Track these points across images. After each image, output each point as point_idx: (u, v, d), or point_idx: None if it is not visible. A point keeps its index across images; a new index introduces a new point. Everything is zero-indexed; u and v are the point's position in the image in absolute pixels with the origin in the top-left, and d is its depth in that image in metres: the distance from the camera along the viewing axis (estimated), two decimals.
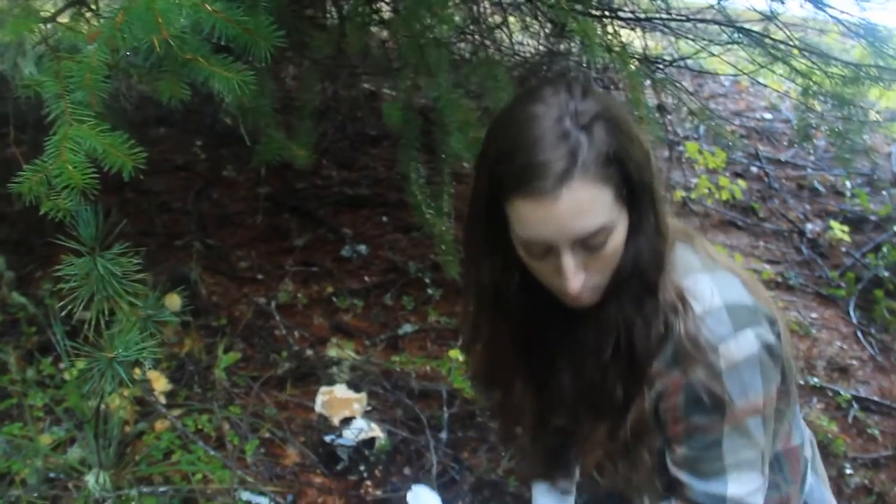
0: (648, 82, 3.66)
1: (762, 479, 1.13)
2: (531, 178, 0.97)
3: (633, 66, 2.82)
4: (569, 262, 1.02)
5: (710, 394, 1.04)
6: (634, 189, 1.03)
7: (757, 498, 1.13)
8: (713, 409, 1.05)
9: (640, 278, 1.07)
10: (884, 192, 4.51)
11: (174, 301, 2.60)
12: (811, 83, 2.39)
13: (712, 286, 1.07)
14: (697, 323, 1.05)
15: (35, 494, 2.04)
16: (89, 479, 1.98)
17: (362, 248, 3.39)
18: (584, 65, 4.16)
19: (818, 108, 2.83)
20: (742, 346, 1.04)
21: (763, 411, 1.08)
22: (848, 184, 4.57)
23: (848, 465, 2.55)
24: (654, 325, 1.08)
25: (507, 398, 1.32)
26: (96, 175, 1.31)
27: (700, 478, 1.12)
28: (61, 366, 2.47)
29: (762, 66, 2.83)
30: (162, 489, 2.08)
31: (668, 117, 4.22)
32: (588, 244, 1.02)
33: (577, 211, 0.98)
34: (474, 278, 1.19)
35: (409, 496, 1.25)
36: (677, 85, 3.52)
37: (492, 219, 1.08)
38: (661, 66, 3.66)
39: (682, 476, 1.14)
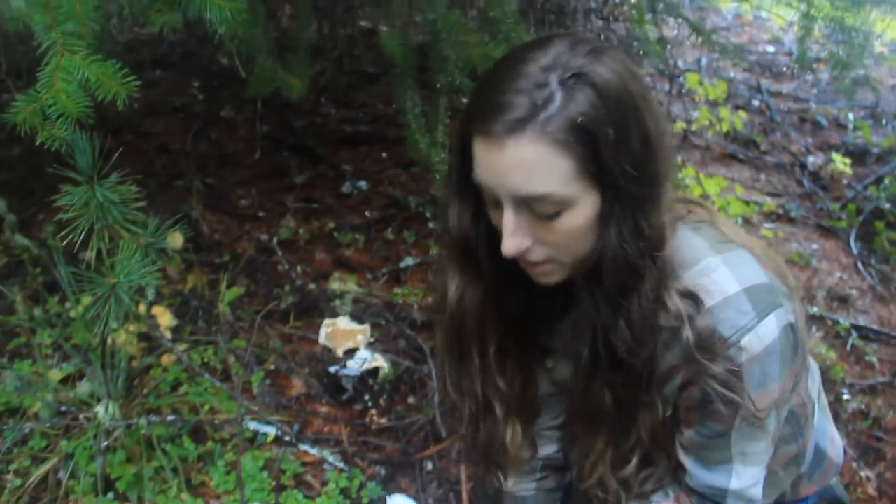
0: (650, 15, 3.62)
1: (765, 472, 1.12)
2: (487, 117, 0.91)
3: None
4: (509, 218, 0.95)
5: (727, 387, 0.99)
6: (607, 173, 0.92)
7: (757, 490, 1.11)
8: (730, 401, 1.00)
9: (614, 277, 0.98)
10: (886, 125, 4.48)
11: (177, 239, 2.62)
12: (812, 6, 2.35)
13: (726, 271, 1.00)
14: (714, 316, 0.98)
15: (47, 426, 2.09)
16: (99, 409, 2.03)
17: (362, 183, 3.39)
18: None
19: (819, 35, 2.79)
20: (764, 336, 0.98)
21: (778, 400, 1.05)
22: (851, 116, 4.53)
23: (845, 391, 2.59)
24: (642, 327, 1.00)
25: (463, 373, 1.21)
26: (91, 106, 1.32)
27: (704, 466, 1.10)
28: (67, 304, 2.50)
29: None
30: (170, 418, 2.13)
31: (670, 49, 4.17)
32: (535, 210, 0.95)
33: (519, 167, 0.91)
34: (444, 224, 1.11)
35: None
36: (679, 17, 3.47)
37: (463, 157, 1.00)
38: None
39: (687, 462, 1.11)
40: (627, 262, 0.96)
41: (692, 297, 0.99)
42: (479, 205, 1.04)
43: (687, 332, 0.98)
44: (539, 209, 0.94)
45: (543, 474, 1.42)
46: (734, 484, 1.09)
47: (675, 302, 0.99)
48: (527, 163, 0.90)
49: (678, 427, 1.11)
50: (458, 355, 1.20)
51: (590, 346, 1.02)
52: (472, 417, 1.25)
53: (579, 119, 0.88)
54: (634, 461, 1.11)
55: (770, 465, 1.17)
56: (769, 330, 0.98)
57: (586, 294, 1.02)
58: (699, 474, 1.11)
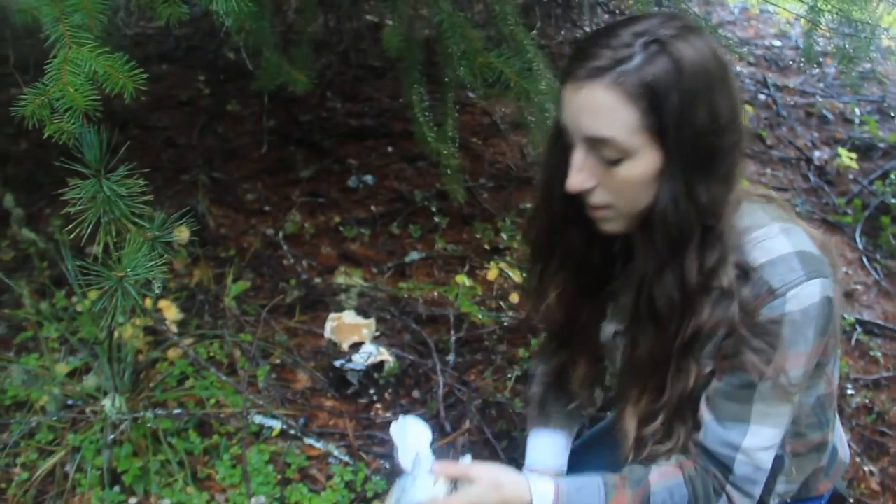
0: (656, 9, 3.61)
1: (779, 439, 1.13)
2: (575, 65, 1.03)
3: None
4: (577, 157, 1.07)
5: (764, 337, 1.05)
6: (668, 135, 1.02)
7: (767, 456, 1.13)
8: (763, 351, 1.06)
9: (663, 233, 1.06)
10: (893, 119, 4.47)
11: (183, 233, 2.63)
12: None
13: (783, 237, 1.07)
14: (766, 271, 1.04)
15: (54, 419, 2.10)
16: (106, 402, 2.04)
17: (368, 178, 3.39)
18: None
19: (825, 30, 2.78)
20: (806, 296, 1.04)
21: (806, 364, 1.08)
22: (857, 111, 4.52)
23: (850, 386, 2.59)
24: (685, 287, 1.06)
25: (542, 299, 1.32)
26: (98, 99, 1.32)
27: (721, 421, 1.12)
28: (74, 299, 2.51)
29: None
30: (177, 412, 2.14)
31: None
32: (601, 153, 1.05)
33: (591, 109, 1.02)
34: (540, 175, 1.24)
35: (394, 427, 1.19)
36: (685, 10, 3.46)
37: (559, 114, 1.12)
38: None
39: (707, 415, 1.13)
40: (677, 222, 1.05)
41: (746, 265, 1.07)
42: (565, 154, 1.13)
43: (739, 292, 1.05)
44: (604, 153, 1.04)
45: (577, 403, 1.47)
46: (747, 442, 1.11)
47: (730, 269, 1.06)
48: (597, 106, 1.01)
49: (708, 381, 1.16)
50: (537, 283, 1.32)
51: (635, 297, 1.12)
52: (547, 343, 1.39)
53: (650, 79, 0.99)
54: (658, 422, 1.16)
55: (798, 450, 1.23)
56: (813, 292, 1.05)
57: (640, 247, 1.12)
58: (715, 430, 1.13)
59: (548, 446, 1.44)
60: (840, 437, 1.42)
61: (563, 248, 1.25)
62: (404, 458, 1.20)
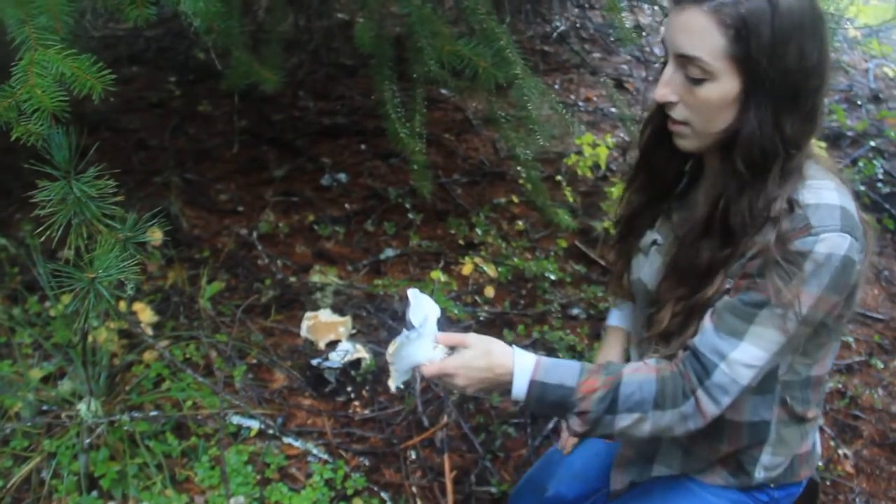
0: (625, 2, 3.64)
1: (762, 362, 1.20)
2: None
3: None
4: (667, 71, 1.19)
5: (790, 265, 1.13)
6: (752, 65, 1.11)
7: (748, 372, 1.19)
8: (782, 278, 1.13)
9: (746, 155, 1.15)
10: (861, 108, 4.53)
11: (156, 235, 2.61)
12: None
13: (835, 194, 1.16)
14: (810, 210, 1.13)
15: (29, 425, 2.08)
16: (81, 407, 2.02)
17: (342, 176, 3.39)
18: None
19: None
20: (836, 245, 1.12)
21: (813, 306, 1.15)
22: (825, 100, 4.57)
23: None
24: (755, 212, 1.16)
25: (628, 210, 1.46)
26: (66, 100, 1.31)
27: (718, 331, 1.20)
28: (47, 303, 2.48)
29: None
30: (153, 414, 2.13)
31: (645, 36, 4.19)
32: (687, 71, 1.15)
33: (686, 29, 1.14)
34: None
35: (411, 291, 1.27)
36: (655, 4, 3.49)
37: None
38: None
39: (708, 323, 1.21)
40: (761, 147, 1.14)
41: (795, 201, 1.15)
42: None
43: (783, 220, 1.14)
44: (690, 71, 1.15)
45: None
46: (734, 354, 1.19)
47: (783, 200, 1.15)
48: (692, 27, 1.13)
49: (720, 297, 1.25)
50: (627, 184, 1.47)
51: (709, 212, 1.21)
52: (615, 237, 1.51)
53: (744, 12, 1.09)
54: (679, 319, 1.27)
55: (782, 417, 1.32)
56: (842, 244, 1.12)
57: (720, 168, 1.21)
58: (711, 336, 1.20)
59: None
60: (818, 431, 1.49)
61: (652, 158, 1.38)
62: (415, 316, 1.27)
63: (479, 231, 3.08)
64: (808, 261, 1.12)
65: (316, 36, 4.22)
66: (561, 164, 3.36)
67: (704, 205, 1.24)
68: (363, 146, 3.64)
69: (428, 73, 2.07)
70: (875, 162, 3.84)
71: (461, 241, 3.04)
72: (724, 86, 1.14)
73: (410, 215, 3.13)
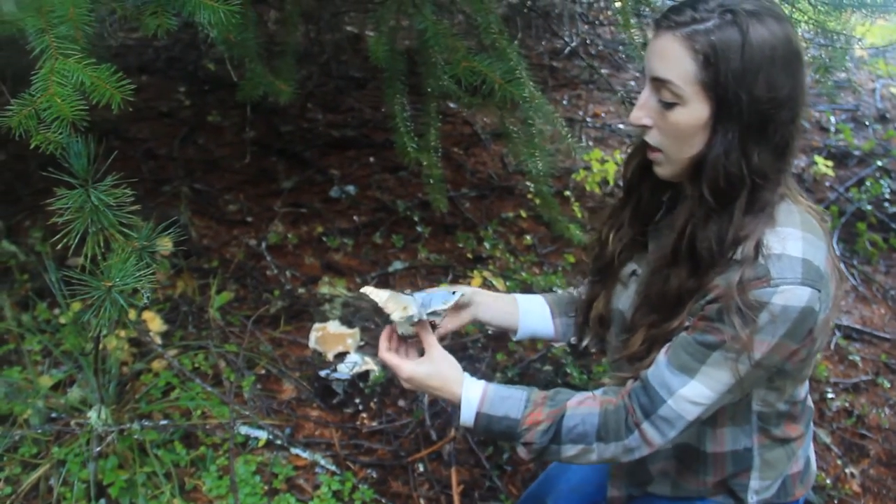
0: (635, 19, 3.65)
1: (710, 401, 1.21)
2: (665, 15, 1.19)
3: (619, 3, 2.80)
4: (643, 94, 1.22)
5: (746, 312, 1.13)
6: (720, 92, 1.13)
7: (694, 409, 1.21)
8: (737, 323, 1.14)
9: (711, 182, 1.17)
10: (868, 127, 4.54)
11: (166, 244, 2.61)
12: (794, 9, 2.39)
13: (800, 243, 1.16)
14: (771, 261, 1.13)
15: (38, 432, 2.08)
16: (91, 414, 2.02)
17: (350, 188, 3.40)
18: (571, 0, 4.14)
19: (802, 40, 2.83)
20: (794, 297, 1.12)
21: (765, 354, 1.16)
22: (833, 119, 4.59)
23: (830, 390, 2.62)
24: (723, 243, 1.17)
25: (601, 239, 1.46)
26: (86, 109, 1.32)
27: (671, 366, 1.22)
28: (57, 311, 2.49)
29: None
30: (163, 423, 2.13)
31: None
32: (661, 95, 1.18)
33: (660, 53, 1.17)
34: None
35: (365, 291, 1.34)
36: None
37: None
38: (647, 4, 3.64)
39: (663, 358, 1.23)
40: (727, 173, 1.16)
41: (760, 248, 1.16)
42: None
43: (745, 268, 1.15)
44: (663, 95, 1.18)
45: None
46: (683, 391, 1.21)
47: (751, 243, 1.16)
48: (666, 52, 1.16)
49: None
50: (610, 214, 1.47)
51: (676, 239, 1.23)
52: (593, 273, 1.50)
53: (715, 41, 1.13)
54: (644, 347, 1.28)
55: (763, 441, 1.33)
56: (801, 296, 1.13)
57: (688, 194, 1.22)
58: (662, 369, 1.23)
59: (539, 306, 1.62)
60: (811, 449, 1.51)
61: (638, 190, 1.40)
62: (389, 305, 1.34)
63: (487, 245, 3.08)
64: (764, 311, 1.13)
65: (326, 49, 4.24)
66: (569, 179, 3.37)
67: (674, 231, 1.25)
68: (372, 159, 3.66)
69: (441, 88, 2.08)
70: (882, 181, 3.85)
71: (469, 255, 3.04)
72: (694, 111, 1.16)
73: (419, 228, 3.14)
